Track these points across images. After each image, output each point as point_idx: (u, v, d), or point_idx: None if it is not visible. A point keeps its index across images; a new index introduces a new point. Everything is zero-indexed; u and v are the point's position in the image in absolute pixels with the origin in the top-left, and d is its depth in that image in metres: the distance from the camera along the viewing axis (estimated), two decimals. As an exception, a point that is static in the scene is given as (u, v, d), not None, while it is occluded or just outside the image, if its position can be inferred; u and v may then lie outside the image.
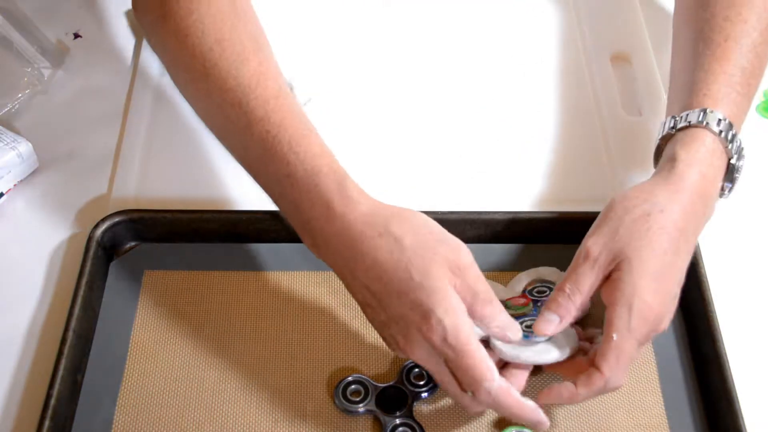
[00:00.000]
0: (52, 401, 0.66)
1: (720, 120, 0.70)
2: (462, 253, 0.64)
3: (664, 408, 0.69)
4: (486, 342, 0.65)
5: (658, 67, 0.92)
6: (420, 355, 0.63)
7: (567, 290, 0.66)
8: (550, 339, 0.67)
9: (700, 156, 0.69)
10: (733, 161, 0.71)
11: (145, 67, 0.92)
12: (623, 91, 0.91)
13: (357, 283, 0.64)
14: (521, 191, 0.83)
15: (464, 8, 0.99)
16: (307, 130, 0.67)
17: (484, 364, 0.61)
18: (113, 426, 0.68)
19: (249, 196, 0.81)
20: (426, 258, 0.62)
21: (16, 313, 0.74)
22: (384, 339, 0.66)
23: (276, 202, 0.69)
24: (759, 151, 0.86)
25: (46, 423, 0.65)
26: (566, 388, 0.64)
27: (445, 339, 0.60)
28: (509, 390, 0.62)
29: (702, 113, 0.70)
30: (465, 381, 0.62)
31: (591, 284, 0.65)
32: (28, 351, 0.72)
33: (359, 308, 0.73)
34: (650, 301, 0.63)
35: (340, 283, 0.75)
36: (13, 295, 0.76)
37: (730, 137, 0.70)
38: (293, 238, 0.77)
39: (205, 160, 0.84)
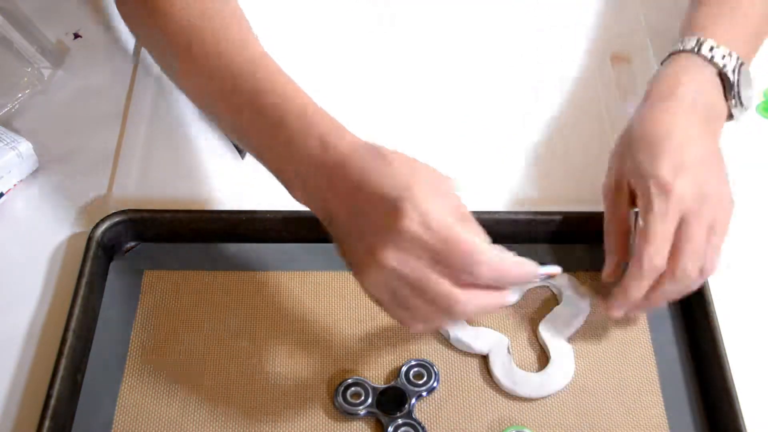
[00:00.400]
0: (52, 401, 0.66)
1: (695, 40, 0.74)
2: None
3: (664, 408, 0.69)
4: None
5: (658, 67, 0.92)
6: (393, 256, 0.57)
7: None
8: None
9: (663, 72, 0.75)
10: (725, 70, 0.73)
11: (145, 68, 0.92)
12: (623, 91, 0.91)
13: (335, 201, 0.61)
14: (520, 191, 0.83)
15: (463, 7, 0.99)
16: (291, 80, 0.68)
17: (474, 238, 0.58)
18: (113, 426, 0.68)
19: (249, 196, 0.82)
20: (411, 166, 0.60)
21: (16, 313, 0.74)
22: (356, 258, 0.61)
23: (258, 145, 0.67)
24: (759, 152, 0.87)
25: (46, 423, 0.65)
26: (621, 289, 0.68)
27: (425, 220, 0.57)
28: (507, 257, 0.60)
29: (680, 43, 0.75)
30: (460, 264, 0.57)
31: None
32: (28, 351, 0.72)
33: (359, 308, 0.73)
34: (683, 180, 0.67)
35: (341, 284, 0.75)
36: (13, 295, 0.76)
37: (709, 51, 0.73)
38: (294, 238, 0.78)
39: (206, 160, 0.84)
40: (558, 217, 0.77)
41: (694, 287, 0.69)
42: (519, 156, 0.86)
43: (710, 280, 0.73)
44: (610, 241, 0.72)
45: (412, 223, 0.57)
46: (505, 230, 0.77)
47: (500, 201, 0.81)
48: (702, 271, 0.68)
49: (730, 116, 0.76)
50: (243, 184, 0.82)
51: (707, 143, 0.71)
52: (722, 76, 0.74)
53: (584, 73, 0.92)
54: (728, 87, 0.74)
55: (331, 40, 0.96)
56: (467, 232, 0.58)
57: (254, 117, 0.66)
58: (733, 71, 0.74)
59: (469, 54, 0.95)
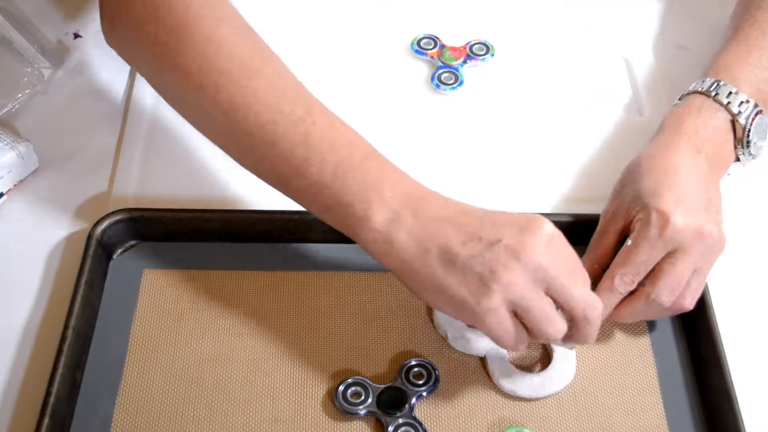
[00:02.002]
0: (52, 399, 0.66)
1: (714, 83, 0.74)
2: None
3: (663, 409, 0.69)
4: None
5: (658, 67, 0.93)
6: (538, 249, 0.61)
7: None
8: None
9: (676, 111, 0.75)
10: (738, 118, 0.74)
11: (146, 68, 0.92)
12: (624, 91, 0.91)
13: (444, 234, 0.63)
14: (520, 191, 0.83)
15: (462, 6, 0.99)
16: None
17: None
18: (112, 424, 0.68)
19: (249, 196, 0.82)
20: None
21: (16, 311, 0.74)
22: (488, 270, 0.61)
23: (325, 190, 0.65)
24: (758, 153, 0.87)
25: (45, 421, 0.64)
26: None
27: (555, 229, 0.63)
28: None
29: (700, 83, 0.76)
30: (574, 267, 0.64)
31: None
32: (28, 349, 0.72)
33: (360, 308, 0.73)
34: (681, 213, 0.67)
35: (341, 284, 0.75)
36: (12, 294, 0.76)
37: (726, 96, 0.74)
38: (294, 238, 0.78)
39: (206, 159, 0.84)
40: (558, 218, 0.77)
41: (661, 315, 0.71)
42: (517, 157, 0.86)
43: (710, 283, 0.73)
44: (588, 259, 0.72)
45: (549, 226, 0.62)
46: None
47: (499, 201, 0.81)
48: (676, 305, 0.69)
49: (738, 159, 0.76)
50: (243, 184, 0.82)
51: (710, 186, 0.72)
52: (735, 122, 0.74)
53: (584, 74, 0.93)
54: (739, 134, 0.74)
55: (333, 43, 0.96)
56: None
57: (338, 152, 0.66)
58: (747, 119, 0.74)
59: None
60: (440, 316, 0.73)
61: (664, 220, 0.67)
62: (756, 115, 0.74)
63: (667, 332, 0.74)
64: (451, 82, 0.91)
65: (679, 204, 0.68)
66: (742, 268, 0.78)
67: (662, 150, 0.73)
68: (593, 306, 0.63)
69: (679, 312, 0.70)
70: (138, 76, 0.91)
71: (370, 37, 0.96)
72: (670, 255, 0.68)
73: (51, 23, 0.96)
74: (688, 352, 0.72)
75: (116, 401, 0.69)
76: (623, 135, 0.87)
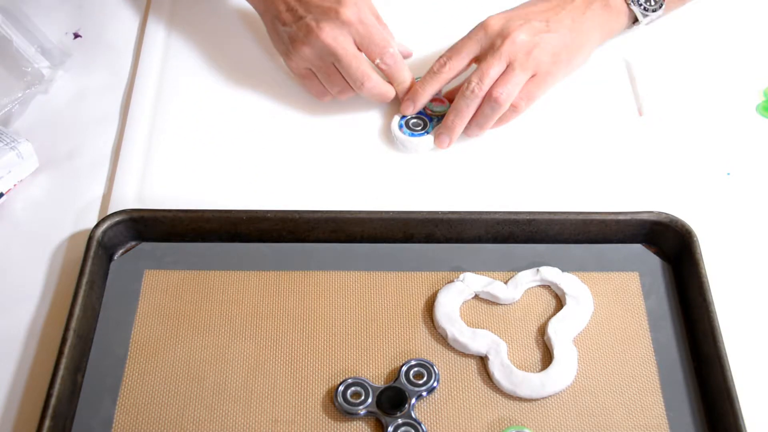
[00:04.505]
0: (53, 401, 0.66)
1: None
2: None
3: (664, 408, 0.69)
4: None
5: (658, 67, 0.92)
6: (330, 34, 0.80)
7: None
8: None
9: None
10: None
11: (145, 67, 0.92)
12: (624, 91, 0.91)
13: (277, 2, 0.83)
14: (520, 191, 0.83)
15: (463, 6, 0.99)
16: None
17: (387, 34, 0.84)
18: (113, 425, 0.68)
19: (249, 196, 0.82)
20: None
21: (17, 312, 0.74)
22: (290, 38, 0.82)
23: None
24: (759, 151, 0.86)
25: (47, 422, 0.65)
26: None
27: (359, 14, 0.80)
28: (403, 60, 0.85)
29: None
30: (373, 48, 0.82)
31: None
32: (29, 350, 0.72)
33: (359, 308, 0.73)
34: (497, 19, 0.83)
35: (341, 284, 0.75)
36: (13, 295, 0.76)
37: None
38: (294, 238, 0.78)
39: (206, 159, 0.84)
40: (558, 217, 0.77)
41: (489, 117, 0.83)
42: (516, 156, 0.86)
43: (710, 281, 0.73)
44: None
45: (350, 13, 0.80)
46: (505, 230, 0.78)
47: (499, 201, 0.81)
48: (489, 96, 0.82)
49: (636, 21, 0.90)
50: (243, 184, 0.82)
51: (565, 15, 0.85)
52: None
53: (584, 74, 0.92)
54: None
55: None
56: (384, 30, 0.84)
57: None
58: None
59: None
60: (440, 316, 0.73)
61: (483, 23, 0.83)
62: None
63: (668, 331, 0.74)
64: (419, 128, 0.87)
65: (504, 16, 0.83)
66: (742, 266, 0.78)
67: None
68: (365, 79, 0.81)
69: (496, 108, 0.82)
70: (138, 76, 0.91)
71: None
72: (483, 53, 0.83)
73: (51, 23, 0.96)
74: (688, 351, 0.72)
75: (117, 402, 0.69)
76: (623, 135, 0.87)
